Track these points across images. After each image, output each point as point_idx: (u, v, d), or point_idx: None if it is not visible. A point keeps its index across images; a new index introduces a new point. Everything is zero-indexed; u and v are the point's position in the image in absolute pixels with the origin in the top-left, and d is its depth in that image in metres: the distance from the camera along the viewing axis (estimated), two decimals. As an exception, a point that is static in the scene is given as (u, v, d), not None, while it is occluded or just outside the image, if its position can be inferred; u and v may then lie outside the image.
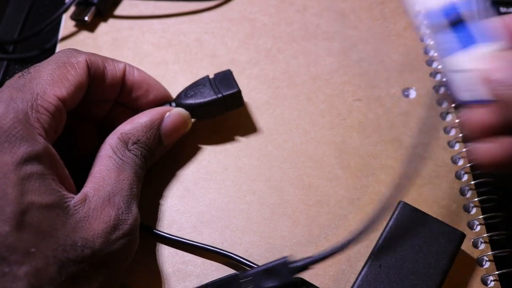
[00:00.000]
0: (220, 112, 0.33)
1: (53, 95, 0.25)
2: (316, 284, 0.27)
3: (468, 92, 0.26)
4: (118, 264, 0.25)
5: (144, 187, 0.32)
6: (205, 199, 0.32)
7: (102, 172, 0.27)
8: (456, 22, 0.27)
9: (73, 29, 0.40)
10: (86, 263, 0.23)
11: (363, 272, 0.27)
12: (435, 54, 0.37)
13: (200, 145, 0.34)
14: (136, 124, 0.29)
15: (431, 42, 0.37)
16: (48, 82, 0.26)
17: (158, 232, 0.31)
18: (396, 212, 0.29)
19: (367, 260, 0.28)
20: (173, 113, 0.31)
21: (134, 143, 0.28)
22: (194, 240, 0.30)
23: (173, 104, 0.32)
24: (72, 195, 0.24)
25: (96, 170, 0.27)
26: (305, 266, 0.27)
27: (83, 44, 0.39)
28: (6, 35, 0.42)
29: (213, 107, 0.32)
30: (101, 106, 0.31)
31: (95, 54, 0.29)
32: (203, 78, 0.33)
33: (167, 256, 0.30)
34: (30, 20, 0.43)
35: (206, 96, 0.32)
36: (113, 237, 0.25)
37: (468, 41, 0.27)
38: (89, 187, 0.26)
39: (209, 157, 0.34)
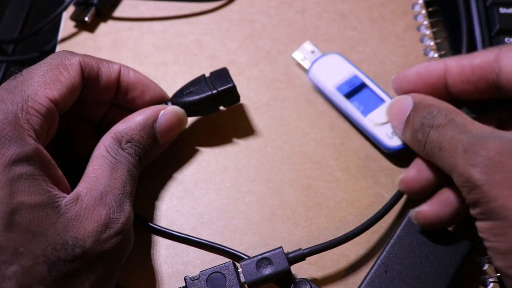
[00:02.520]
0: (216, 109, 0.33)
1: (45, 96, 0.25)
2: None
3: (390, 140, 0.32)
4: (111, 263, 0.25)
5: (144, 188, 0.32)
6: (204, 200, 0.32)
7: (95, 172, 0.27)
8: (360, 88, 0.34)
9: (73, 30, 0.40)
10: (77, 262, 0.23)
11: (368, 277, 0.27)
12: (435, 55, 0.37)
13: (199, 146, 0.34)
14: (130, 123, 0.29)
15: (431, 43, 0.37)
16: (39, 84, 0.26)
17: (156, 226, 0.31)
18: (405, 220, 0.28)
19: (373, 265, 0.27)
20: (168, 111, 0.31)
21: (128, 141, 0.28)
22: (194, 236, 0.31)
23: (169, 103, 0.32)
24: (64, 194, 0.25)
25: (89, 170, 0.27)
26: (301, 257, 0.28)
27: (83, 45, 0.39)
28: (6, 35, 0.42)
29: (208, 103, 0.32)
30: (98, 107, 0.31)
31: (90, 55, 0.29)
32: (199, 77, 0.33)
33: (166, 257, 0.30)
34: (29, 20, 0.43)
35: (201, 93, 0.32)
36: (104, 236, 0.25)
37: (375, 101, 0.33)
38: (82, 187, 0.26)
39: (209, 158, 0.34)
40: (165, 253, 0.30)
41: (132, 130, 0.29)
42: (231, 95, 0.32)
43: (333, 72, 0.35)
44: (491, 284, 0.28)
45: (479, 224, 0.24)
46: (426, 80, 0.29)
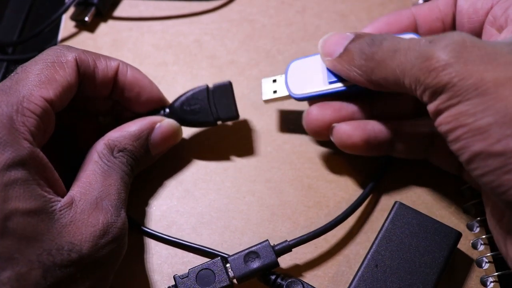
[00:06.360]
0: (213, 125, 0.33)
1: (40, 96, 0.25)
2: (315, 285, 0.27)
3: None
4: (106, 268, 0.25)
5: (144, 188, 0.32)
6: (204, 200, 0.32)
7: (88, 177, 0.26)
8: None
9: (73, 30, 0.40)
10: (73, 267, 0.23)
11: (359, 273, 0.27)
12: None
13: (199, 146, 0.34)
14: (124, 132, 0.29)
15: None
16: (35, 84, 0.25)
17: (150, 231, 0.31)
18: (392, 212, 0.29)
19: (364, 260, 0.28)
20: (164, 125, 0.30)
21: (120, 151, 0.28)
22: (190, 241, 0.30)
23: (167, 110, 0.32)
24: (59, 198, 0.24)
25: (82, 175, 0.27)
26: (288, 248, 0.28)
27: (83, 45, 0.39)
28: (6, 36, 0.42)
29: (207, 124, 0.32)
30: (99, 102, 0.31)
31: (87, 51, 0.29)
32: (201, 90, 0.32)
33: (166, 256, 0.30)
34: (29, 21, 0.43)
35: (202, 117, 0.31)
36: (102, 241, 0.25)
37: None
38: (75, 191, 0.26)
39: (209, 158, 0.34)
40: (165, 253, 0.30)
41: (125, 139, 0.29)
42: (232, 119, 0.32)
43: (310, 75, 0.31)
44: (491, 284, 0.28)
45: (447, 114, 0.22)
46: (398, 26, 0.30)
